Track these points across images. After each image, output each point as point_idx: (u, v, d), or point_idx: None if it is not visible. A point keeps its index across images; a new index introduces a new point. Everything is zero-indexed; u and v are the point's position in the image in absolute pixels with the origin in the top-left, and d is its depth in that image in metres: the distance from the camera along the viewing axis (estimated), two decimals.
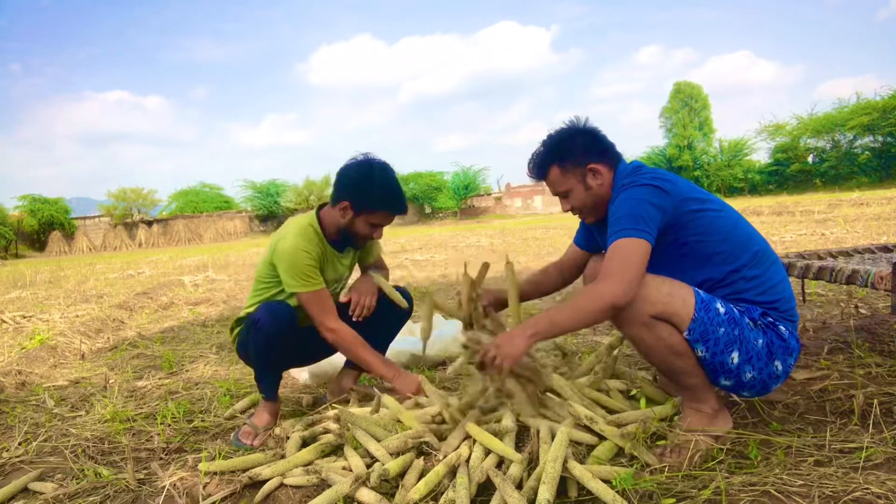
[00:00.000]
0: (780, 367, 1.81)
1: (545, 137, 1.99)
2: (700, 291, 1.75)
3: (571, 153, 1.92)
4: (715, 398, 1.82)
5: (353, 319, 2.33)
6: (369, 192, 2.17)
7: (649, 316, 1.68)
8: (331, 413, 2.21)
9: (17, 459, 2.21)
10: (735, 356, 1.74)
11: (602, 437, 1.78)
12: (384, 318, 2.46)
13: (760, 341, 1.76)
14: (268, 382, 2.28)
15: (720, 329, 1.71)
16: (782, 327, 1.81)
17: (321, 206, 2.35)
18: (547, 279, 2.31)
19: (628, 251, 1.68)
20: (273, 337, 2.15)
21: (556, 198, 2.03)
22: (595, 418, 1.81)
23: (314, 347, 2.43)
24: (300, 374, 2.96)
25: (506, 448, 1.69)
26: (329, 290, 2.35)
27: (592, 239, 2.21)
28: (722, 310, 1.74)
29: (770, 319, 1.80)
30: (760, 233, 1.94)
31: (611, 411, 1.96)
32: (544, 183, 2.01)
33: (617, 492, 1.53)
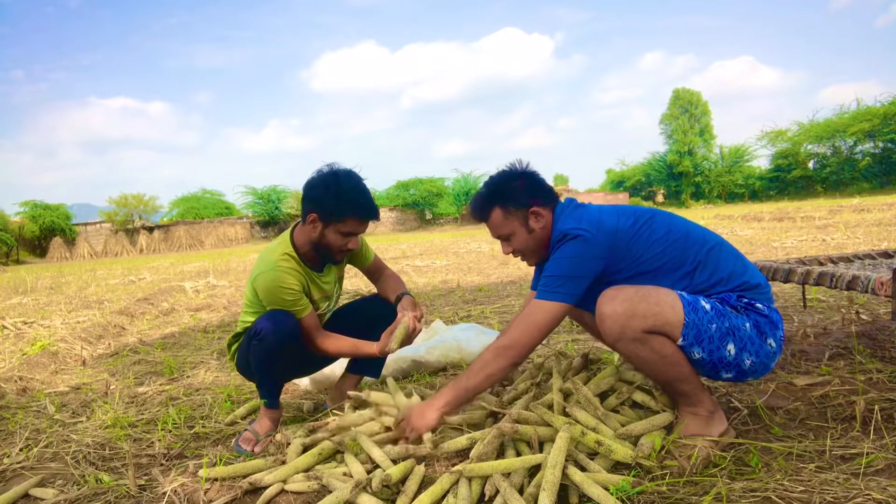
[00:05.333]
0: (773, 344, 1.81)
1: (486, 179, 2.04)
2: (683, 293, 1.75)
3: (513, 196, 1.96)
4: (709, 400, 1.82)
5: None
6: (334, 200, 2.10)
7: (641, 331, 1.68)
8: (331, 419, 2.21)
9: (18, 465, 2.21)
10: (731, 348, 1.74)
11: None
12: (381, 323, 2.45)
13: (748, 325, 1.77)
14: (269, 390, 2.27)
15: (712, 326, 1.72)
16: (759, 304, 1.82)
17: (295, 226, 2.29)
18: None
19: (538, 316, 1.82)
20: (275, 348, 2.13)
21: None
22: (600, 428, 1.81)
23: (316, 357, 2.42)
24: (301, 380, 2.96)
25: (513, 462, 1.67)
26: (320, 309, 2.36)
27: None
28: (707, 306, 1.74)
29: (746, 300, 1.82)
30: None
31: (638, 406, 1.97)
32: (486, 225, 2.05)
33: (618, 498, 1.53)
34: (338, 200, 2.10)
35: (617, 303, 1.70)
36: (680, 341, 1.70)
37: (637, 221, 1.87)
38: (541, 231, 1.96)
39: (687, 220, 1.95)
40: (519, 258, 2.06)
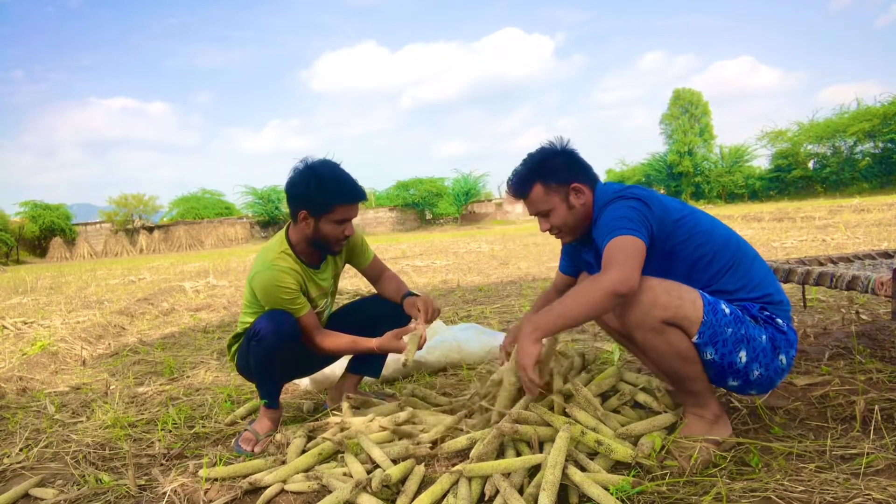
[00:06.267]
0: (784, 361, 1.82)
1: (526, 156, 2.02)
2: (705, 294, 1.76)
3: (555, 172, 1.95)
4: (716, 404, 1.83)
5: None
6: (318, 193, 2.12)
7: (660, 321, 1.69)
8: (332, 420, 2.21)
9: (18, 465, 2.21)
10: (743, 355, 1.75)
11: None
12: (382, 322, 2.45)
13: (764, 337, 1.78)
14: (269, 390, 2.27)
15: (728, 329, 1.73)
16: (779, 320, 1.83)
17: (289, 225, 2.29)
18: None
19: (625, 245, 1.70)
20: (275, 348, 2.13)
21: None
22: (600, 428, 1.81)
23: (316, 358, 2.42)
24: (301, 380, 2.96)
25: (513, 462, 1.68)
26: (318, 307, 2.36)
27: (576, 264, 2.24)
28: (727, 310, 1.75)
29: (767, 313, 1.83)
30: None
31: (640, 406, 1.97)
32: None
33: (618, 498, 1.53)
34: (321, 192, 2.12)
35: (642, 291, 1.70)
36: (695, 339, 1.71)
37: (684, 209, 1.90)
38: (581, 207, 1.96)
39: (730, 228, 1.97)
40: (554, 235, 2.05)
